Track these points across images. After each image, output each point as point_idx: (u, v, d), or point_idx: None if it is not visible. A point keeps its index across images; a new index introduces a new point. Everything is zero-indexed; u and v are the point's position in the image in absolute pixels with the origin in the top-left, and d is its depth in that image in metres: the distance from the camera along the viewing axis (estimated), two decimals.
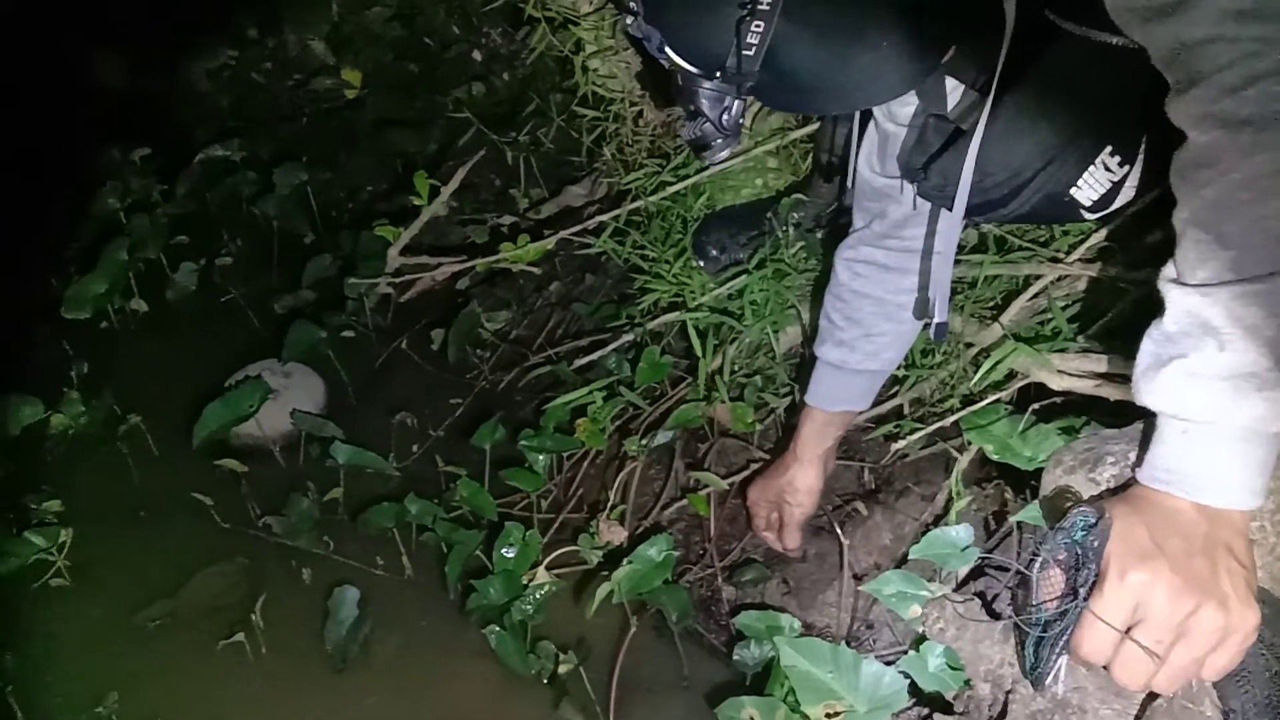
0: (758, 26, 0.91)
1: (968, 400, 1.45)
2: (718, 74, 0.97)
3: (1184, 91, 0.78)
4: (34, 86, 2.88)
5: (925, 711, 1.14)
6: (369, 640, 1.61)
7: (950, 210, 1.10)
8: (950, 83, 1.10)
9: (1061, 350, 1.37)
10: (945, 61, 1.05)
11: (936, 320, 1.22)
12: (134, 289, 2.38)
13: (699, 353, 1.74)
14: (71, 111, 2.84)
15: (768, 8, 0.90)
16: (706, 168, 1.94)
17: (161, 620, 1.68)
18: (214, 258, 2.52)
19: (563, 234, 2.09)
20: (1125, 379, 1.27)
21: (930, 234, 1.26)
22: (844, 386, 1.43)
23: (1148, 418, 0.86)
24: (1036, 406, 1.26)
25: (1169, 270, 0.82)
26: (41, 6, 3.00)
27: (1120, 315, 1.36)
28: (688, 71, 0.99)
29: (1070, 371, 1.34)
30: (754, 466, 1.65)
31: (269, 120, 2.97)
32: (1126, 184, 1.08)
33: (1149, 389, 0.83)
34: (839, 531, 1.42)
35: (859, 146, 1.31)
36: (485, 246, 2.29)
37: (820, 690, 1.17)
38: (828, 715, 1.17)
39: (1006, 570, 1.11)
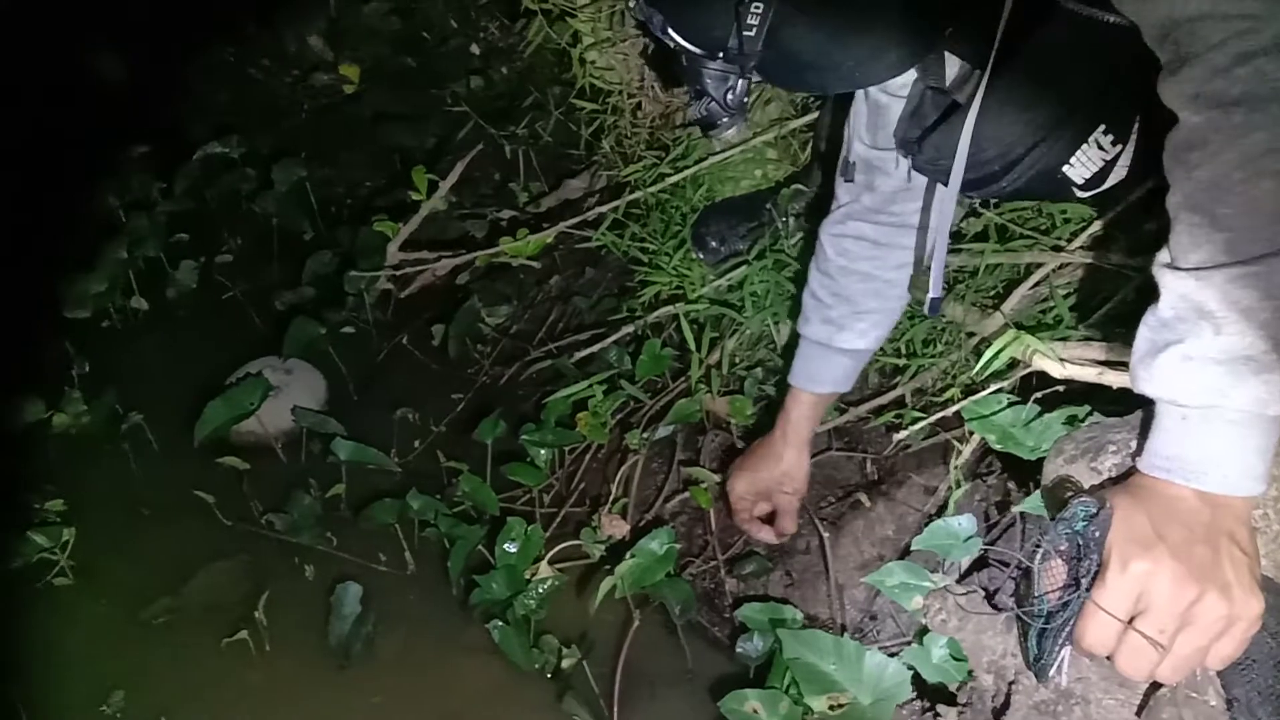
0: (757, 8, 0.91)
1: (969, 390, 1.45)
2: (720, 54, 0.97)
3: (1175, 71, 0.78)
4: (32, 84, 2.87)
5: (928, 703, 1.13)
6: (372, 636, 1.61)
7: (945, 185, 1.09)
8: (948, 57, 1.10)
9: (1064, 338, 1.36)
10: (945, 37, 1.04)
11: (931, 295, 1.20)
12: (134, 287, 2.39)
13: (691, 346, 1.73)
14: (70, 109, 2.83)
15: None
16: (705, 159, 1.93)
17: (165, 618, 1.68)
18: (214, 255, 2.51)
19: (562, 227, 2.08)
20: (1128, 366, 1.27)
21: (925, 209, 1.25)
22: (831, 366, 1.42)
23: (1148, 406, 0.85)
24: (1039, 395, 1.25)
25: (1163, 255, 0.81)
26: (39, 4, 2.99)
27: (1122, 302, 1.36)
28: (691, 53, 0.99)
29: (1072, 360, 1.32)
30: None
31: (267, 116, 2.96)
32: (1119, 163, 1.07)
33: (1146, 376, 0.82)
34: (818, 526, 1.42)
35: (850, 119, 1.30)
36: (485, 241, 2.29)
37: (823, 682, 1.17)
38: (831, 707, 1.17)
39: (1009, 561, 1.11)
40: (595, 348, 1.91)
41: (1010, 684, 0.98)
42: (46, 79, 2.93)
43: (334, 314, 2.24)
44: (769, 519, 1.52)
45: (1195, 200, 0.78)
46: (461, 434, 1.90)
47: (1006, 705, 0.98)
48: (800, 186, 1.77)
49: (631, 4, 0.99)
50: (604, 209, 2.04)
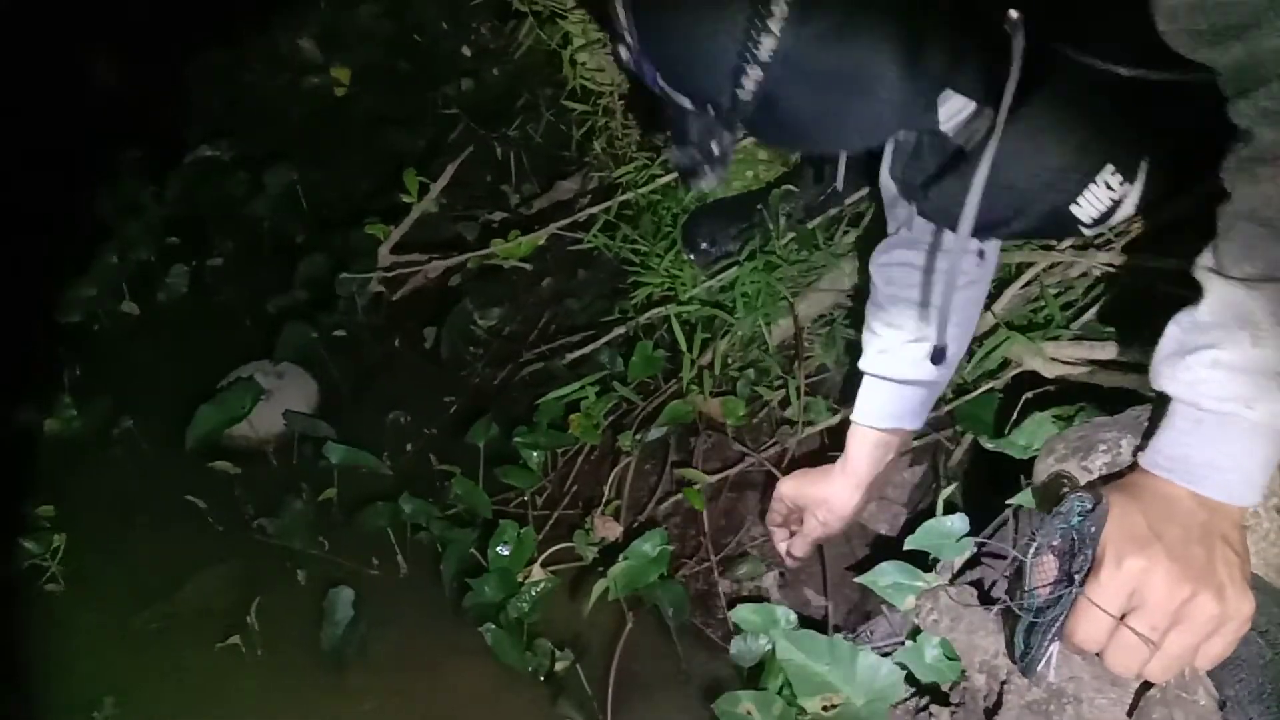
0: (756, 74, 0.90)
1: (961, 389, 1.45)
2: (711, 110, 0.96)
3: (1251, 90, 0.77)
4: (25, 88, 2.86)
5: (922, 702, 1.13)
6: (365, 640, 1.60)
7: (955, 231, 1.07)
8: (958, 101, 1.08)
9: (1055, 338, 1.36)
10: (957, 87, 1.03)
11: (935, 344, 1.13)
12: (125, 292, 2.38)
13: (683, 348, 1.73)
14: (63, 113, 2.83)
15: (769, 60, 0.88)
16: None
17: (157, 624, 1.68)
18: (205, 259, 2.51)
19: (554, 229, 2.08)
20: (1118, 366, 1.27)
21: (932, 252, 1.23)
22: (893, 400, 1.33)
23: (1155, 404, 0.86)
24: (1030, 395, 1.26)
25: (1207, 259, 0.81)
26: (32, 8, 2.99)
27: (1112, 302, 1.36)
28: (681, 106, 0.98)
29: (1063, 359, 1.33)
30: (748, 460, 1.64)
31: (259, 120, 2.96)
32: (1126, 201, 1.07)
33: (1170, 374, 0.83)
34: None
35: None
36: (476, 243, 2.28)
37: (817, 683, 1.17)
38: (824, 708, 1.17)
39: (1002, 559, 1.11)
40: (587, 349, 1.91)
41: (1003, 684, 0.98)
42: (40, 82, 2.93)
43: (326, 317, 2.23)
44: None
45: (1258, 213, 0.78)
46: (454, 437, 1.89)
47: (999, 705, 0.98)
48: (791, 187, 1.77)
49: (623, 55, 0.97)
50: (595, 210, 2.04)
